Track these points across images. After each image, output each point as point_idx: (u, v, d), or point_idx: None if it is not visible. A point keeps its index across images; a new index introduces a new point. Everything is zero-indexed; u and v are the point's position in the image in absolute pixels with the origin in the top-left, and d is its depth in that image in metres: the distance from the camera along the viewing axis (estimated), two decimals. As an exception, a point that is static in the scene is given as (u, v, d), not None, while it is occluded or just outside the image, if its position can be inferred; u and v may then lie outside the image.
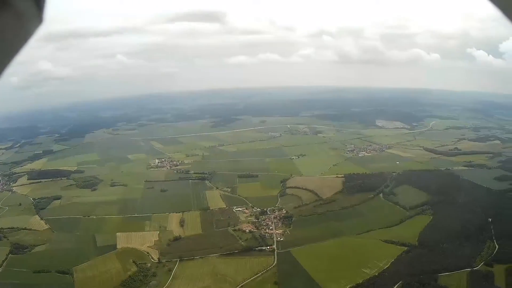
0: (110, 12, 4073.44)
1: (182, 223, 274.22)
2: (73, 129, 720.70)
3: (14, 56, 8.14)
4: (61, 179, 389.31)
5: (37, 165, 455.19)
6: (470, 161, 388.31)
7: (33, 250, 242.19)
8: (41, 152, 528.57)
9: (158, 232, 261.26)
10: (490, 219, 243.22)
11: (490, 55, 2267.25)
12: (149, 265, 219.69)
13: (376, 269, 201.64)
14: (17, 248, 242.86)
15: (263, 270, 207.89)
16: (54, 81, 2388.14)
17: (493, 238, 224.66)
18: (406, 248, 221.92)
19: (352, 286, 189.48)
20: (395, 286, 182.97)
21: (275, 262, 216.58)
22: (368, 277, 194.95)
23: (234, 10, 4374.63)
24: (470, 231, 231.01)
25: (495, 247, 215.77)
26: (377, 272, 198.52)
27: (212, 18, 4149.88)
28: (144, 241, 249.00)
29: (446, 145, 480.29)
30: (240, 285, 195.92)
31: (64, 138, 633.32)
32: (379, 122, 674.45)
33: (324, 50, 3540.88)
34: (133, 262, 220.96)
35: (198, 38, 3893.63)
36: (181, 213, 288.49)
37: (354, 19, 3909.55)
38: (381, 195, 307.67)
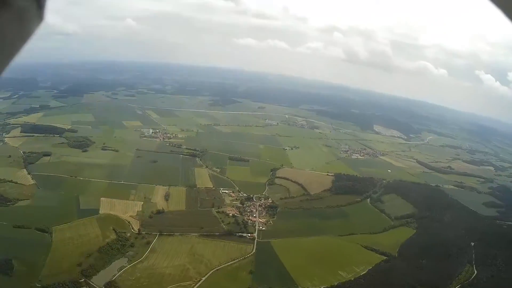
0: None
1: (167, 197, 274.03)
2: (72, 87, 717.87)
3: (15, 55, 8.07)
4: (54, 135, 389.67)
5: (32, 118, 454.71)
6: (461, 182, 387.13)
7: (16, 204, 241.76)
8: (38, 106, 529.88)
9: (142, 202, 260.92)
10: (472, 243, 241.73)
11: (498, 82, 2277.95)
12: (128, 234, 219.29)
13: (352, 273, 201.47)
14: (0, 200, 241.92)
15: (240, 257, 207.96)
16: (60, 36, 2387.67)
17: (473, 262, 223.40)
18: (385, 257, 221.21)
19: (326, 287, 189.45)
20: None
21: (254, 250, 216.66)
22: (344, 280, 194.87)
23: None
24: (451, 251, 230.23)
25: (474, 272, 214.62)
26: (352, 277, 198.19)
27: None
28: (127, 209, 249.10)
29: (440, 161, 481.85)
30: (215, 269, 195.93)
31: (62, 95, 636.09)
32: (377, 128, 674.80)
33: (332, 46, 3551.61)
34: (113, 229, 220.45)
35: (210, 14, 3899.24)
36: (167, 187, 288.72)
37: (366, 21, 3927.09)
38: (368, 200, 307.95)
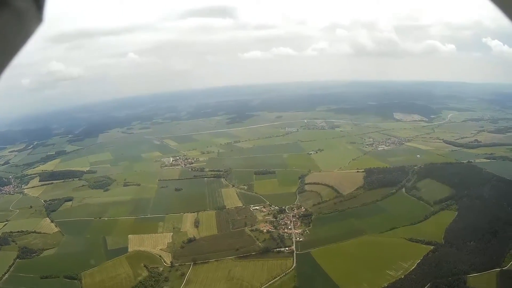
0: (120, 10, 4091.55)
1: (196, 224, 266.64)
2: (86, 129, 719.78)
3: (14, 56, 8.10)
4: (73, 180, 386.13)
5: (49, 166, 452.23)
6: (491, 153, 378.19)
7: (41, 255, 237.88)
8: (54, 153, 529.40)
9: (172, 233, 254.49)
10: None
11: (506, 45, 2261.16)
12: (161, 269, 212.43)
13: (401, 270, 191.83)
14: (25, 253, 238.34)
15: (281, 274, 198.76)
16: (66, 82, 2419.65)
17: None
18: (432, 247, 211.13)
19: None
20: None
21: (294, 264, 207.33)
22: (393, 279, 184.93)
23: (245, 4, 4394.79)
24: (497, 227, 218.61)
25: None
26: (402, 274, 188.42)
27: (224, 13, 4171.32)
28: (156, 243, 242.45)
29: (466, 137, 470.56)
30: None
31: (77, 138, 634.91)
32: (397, 115, 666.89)
33: (338, 43, 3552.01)
34: (144, 266, 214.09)
35: (211, 34, 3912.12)
36: (195, 213, 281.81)
37: (367, 11, 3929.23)
38: (403, 189, 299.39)
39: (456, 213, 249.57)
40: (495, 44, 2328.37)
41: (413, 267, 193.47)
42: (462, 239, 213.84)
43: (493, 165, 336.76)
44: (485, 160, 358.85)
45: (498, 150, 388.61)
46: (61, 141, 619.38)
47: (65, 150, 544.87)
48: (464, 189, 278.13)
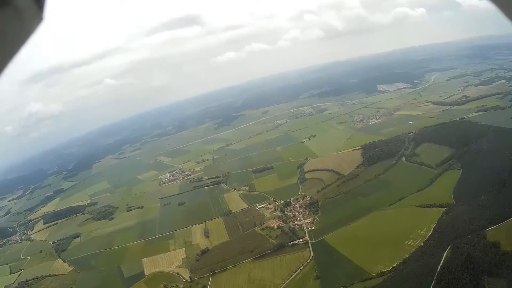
0: (87, 39, 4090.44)
1: (207, 234, 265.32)
2: (79, 163, 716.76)
3: (15, 55, 7.99)
4: (77, 215, 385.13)
5: (51, 207, 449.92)
6: (482, 106, 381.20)
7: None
8: (52, 193, 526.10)
9: (184, 248, 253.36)
10: None
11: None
12: (181, 286, 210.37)
13: (419, 238, 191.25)
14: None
15: (301, 266, 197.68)
16: (49, 121, 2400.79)
17: None
18: (444, 209, 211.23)
19: (400, 262, 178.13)
20: (445, 253, 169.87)
21: (312, 254, 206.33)
22: (414, 249, 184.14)
23: (209, 9, 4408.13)
24: (503, 176, 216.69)
25: None
26: (421, 242, 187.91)
27: (191, 21, 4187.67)
28: (171, 261, 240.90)
29: (454, 95, 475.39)
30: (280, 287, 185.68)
31: (72, 174, 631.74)
32: (381, 87, 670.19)
33: (309, 29, 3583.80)
34: (164, 286, 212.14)
35: (182, 45, 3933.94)
36: (203, 224, 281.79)
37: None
38: (403, 158, 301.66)
39: (461, 171, 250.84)
40: None
41: (430, 233, 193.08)
42: (472, 196, 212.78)
43: (486, 116, 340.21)
44: (477, 113, 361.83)
45: (488, 101, 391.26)
46: (56, 180, 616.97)
47: (63, 188, 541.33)
48: (463, 146, 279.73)
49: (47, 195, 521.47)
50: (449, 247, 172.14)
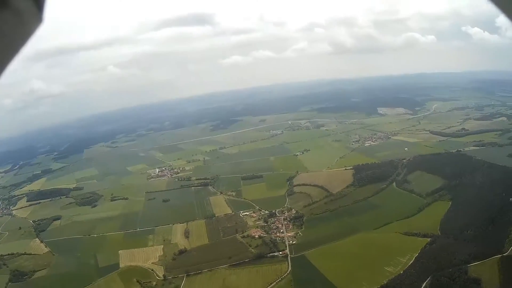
0: (96, 24, 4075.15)
1: (187, 234, 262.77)
2: (71, 146, 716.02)
3: (14, 56, 8.01)
4: (61, 198, 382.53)
5: (36, 185, 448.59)
6: (480, 140, 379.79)
7: (33, 276, 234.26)
8: (40, 172, 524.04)
9: (162, 246, 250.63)
10: (511, 199, 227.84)
11: (486, 32, 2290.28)
12: (154, 283, 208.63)
13: (399, 266, 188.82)
14: (17, 276, 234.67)
15: (277, 279, 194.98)
16: (49, 99, 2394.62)
17: None
18: (428, 239, 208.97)
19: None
20: (424, 284, 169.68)
21: (290, 268, 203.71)
22: (393, 276, 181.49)
23: (222, 10, 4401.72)
24: (493, 213, 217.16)
25: None
26: (401, 270, 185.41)
27: (201, 20, 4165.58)
28: (148, 257, 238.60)
29: (452, 126, 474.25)
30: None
31: (63, 155, 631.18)
32: (381, 110, 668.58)
33: (317, 43, 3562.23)
34: (137, 281, 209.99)
35: (190, 43, 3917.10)
36: (185, 223, 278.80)
37: (344, 8, 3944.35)
38: (394, 184, 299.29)
39: (450, 203, 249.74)
40: (475, 31, 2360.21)
41: (411, 261, 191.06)
42: (459, 229, 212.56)
43: (483, 152, 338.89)
44: (474, 147, 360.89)
45: (487, 137, 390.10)
46: (46, 160, 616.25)
47: (51, 168, 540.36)
48: (455, 178, 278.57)
49: (34, 173, 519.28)
50: (428, 279, 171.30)
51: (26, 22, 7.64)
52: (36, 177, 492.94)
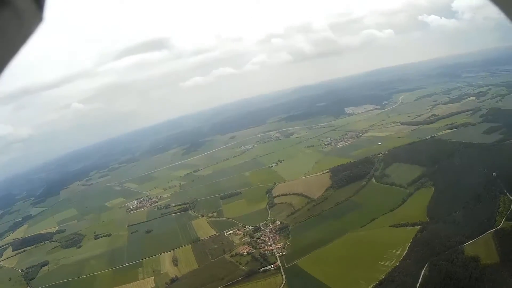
0: (55, 62, 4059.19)
1: (175, 262, 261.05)
2: (47, 189, 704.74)
3: (15, 55, 8.08)
4: (45, 243, 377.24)
5: (19, 233, 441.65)
6: (452, 123, 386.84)
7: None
8: (21, 219, 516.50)
9: (153, 277, 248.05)
10: (494, 174, 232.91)
11: (443, 18, 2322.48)
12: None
13: (394, 259, 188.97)
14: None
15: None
16: (18, 144, 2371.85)
17: (505, 191, 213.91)
18: (418, 227, 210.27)
19: (376, 284, 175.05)
20: (422, 271, 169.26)
21: (284, 280, 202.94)
22: (389, 269, 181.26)
23: (177, 32, 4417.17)
24: (478, 191, 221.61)
25: (511, 199, 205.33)
26: (397, 262, 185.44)
27: (158, 45, 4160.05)
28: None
29: (422, 114, 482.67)
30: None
31: (40, 200, 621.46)
32: (348, 110, 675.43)
33: (276, 53, 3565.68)
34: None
35: (149, 70, 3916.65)
36: (172, 251, 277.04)
37: (299, 15, 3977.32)
38: (373, 179, 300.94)
39: (433, 188, 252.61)
40: (432, 19, 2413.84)
41: (405, 252, 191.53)
42: (447, 212, 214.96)
43: (457, 133, 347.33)
44: (447, 131, 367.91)
45: (458, 119, 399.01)
46: (25, 206, 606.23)
47: (31, 214, 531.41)
48: (434, 164, 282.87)
49: (15, 221, 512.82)
50: (426, 265, 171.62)
51: (26, 21, 7.64)
52: (17, 225, 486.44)
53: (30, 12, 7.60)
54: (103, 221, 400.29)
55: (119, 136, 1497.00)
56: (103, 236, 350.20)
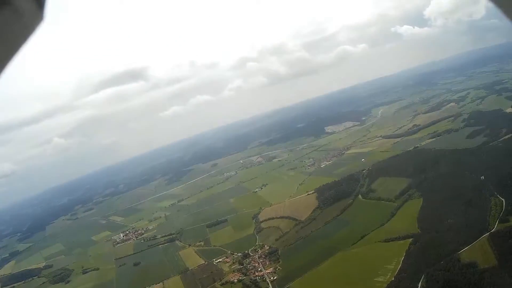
0: (33, 96, 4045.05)
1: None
2: (33, 224, 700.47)
3: (15, 54, 8.05)
4: (33, 279, 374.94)
5: (7, 269, 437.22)
6: (434, 132, 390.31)
7: None
8: (8, 255, 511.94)
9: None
10: (482, 177, 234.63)
11: (416, 27, 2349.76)
12: None
13: (389, 273, 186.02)
14: None
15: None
16: (1, 180, 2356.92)
17: (495, 193, 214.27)
18: (410, 239, 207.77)
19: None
20: (419, 283, 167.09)
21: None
22: (385, 285, 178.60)
23: (152, 62, 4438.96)
24: (467, 196, 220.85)
25: (502, 201, 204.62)
26: (392, 277, 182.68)
27: (134, 76, 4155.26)
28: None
29: (403, 126, 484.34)
30: None
31: (27, 235, 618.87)
32: (328, 129, 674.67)
33: (252, 77, 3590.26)
34: None
35: (127, 101, 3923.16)
36: (161, 283, 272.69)
37: (271, 37, 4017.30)
38: (359, 196, 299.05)
39: (421, 199, 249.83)
40: (405, 29, 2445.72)
41: (399, 266, 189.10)
42: (438, 221, 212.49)
43: (440, 141, 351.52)
44: (430, 139, 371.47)
45: (440, 126, 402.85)
46: (12, 242, 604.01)
47: (18, 250, 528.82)
48: (420, 174, 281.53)
49: (2, 257, 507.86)
50: (422, 277, 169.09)
51: (26, 21, 7.56)
52: (5, 261, 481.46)
53: (30, 11, 7.53)
54: (90, 255, 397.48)
55: (102, 169, 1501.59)
56: (91, 270, 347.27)
